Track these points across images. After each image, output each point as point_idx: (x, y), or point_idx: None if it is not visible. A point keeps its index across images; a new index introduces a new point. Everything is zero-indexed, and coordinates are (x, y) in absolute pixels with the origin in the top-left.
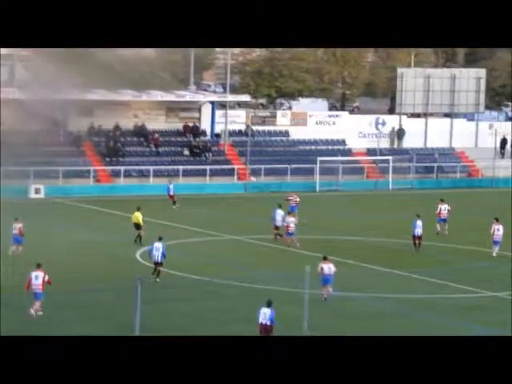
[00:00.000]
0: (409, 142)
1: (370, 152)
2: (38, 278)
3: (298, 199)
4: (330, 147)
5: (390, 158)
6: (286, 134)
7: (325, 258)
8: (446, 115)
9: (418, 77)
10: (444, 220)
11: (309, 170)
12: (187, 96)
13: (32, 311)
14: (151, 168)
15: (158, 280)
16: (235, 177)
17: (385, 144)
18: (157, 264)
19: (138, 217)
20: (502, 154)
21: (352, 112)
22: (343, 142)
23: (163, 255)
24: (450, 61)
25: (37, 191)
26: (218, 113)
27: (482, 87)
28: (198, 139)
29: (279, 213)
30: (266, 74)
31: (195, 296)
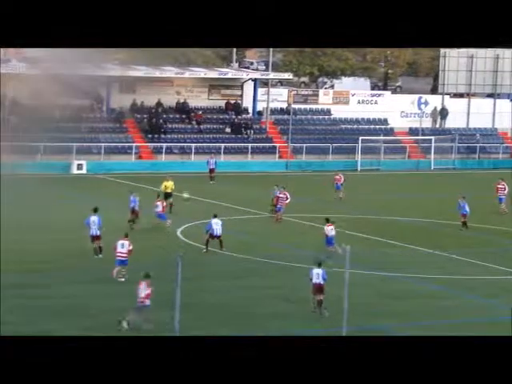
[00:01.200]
0: (451, 122)
1: (412, 132)
2: (123, 246)
3: (343, 178)
4: (371, 126)
5: (432, 137)
6: (328, 112)
7: (327, 221)
8: (489, 95)
9: (461, 57)
10: (500, 199)
11: (350, 149)
12: (229, 73)
13: (115, 274)
14: (193, 145)
15: (223, 250)
16: (277, 155)
17: (427, 124)
18: (217, 237)
19: (169, 185)
20: None
21: (394, 91)
22: (385, 122)
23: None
24: None
25: (79, 167)
26: (260, 90)
27: None
28: (239, 117)
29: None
30: (308, 52)
31: (235, 273)
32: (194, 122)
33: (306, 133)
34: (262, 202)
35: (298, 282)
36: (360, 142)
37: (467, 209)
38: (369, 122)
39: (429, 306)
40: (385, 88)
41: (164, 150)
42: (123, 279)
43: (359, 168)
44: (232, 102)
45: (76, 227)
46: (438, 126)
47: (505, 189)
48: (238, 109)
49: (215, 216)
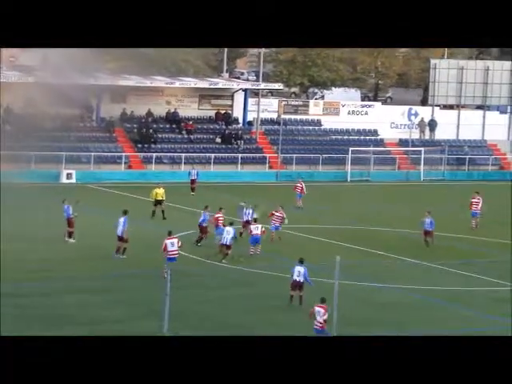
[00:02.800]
0: (441, 134)
1: (402, 143)
2: (173, 244)
3: (304, 187)
4: (361, 137)
5: (421, 149)
6: (318, 123)
7: (255, 221)
8: (479, 107)
9: (452, 68)
10: (474, 214)
11: (340, 160)
12: (220, 83)
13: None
14: (183, 155)
15: (224, 262)
16: (267, 165)
17: (417, 135)
18: (226, 246)
19: (160, 193)
20: None
21: (385, 102)
22: (375, 133)
23: (232, 239)
24: (483, 53)
25: (68, 176)
26: (251, 101)
27: None
28: (230, 127)
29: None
30: (299, 63)
31: (223, 284)
32: (184, 132)
33: (296, 143)
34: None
35: (285, 291)
36: (350, 152)
37: (430, 225)
38: (359, 132)
39: (418, 317)
40: (375, 99)
41: (154, 159)
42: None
43: (349, 179)
44: (222, 112)
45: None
46: (426, 137)
47: (479, 203)
48: (228, 119)
49: (231, 224)
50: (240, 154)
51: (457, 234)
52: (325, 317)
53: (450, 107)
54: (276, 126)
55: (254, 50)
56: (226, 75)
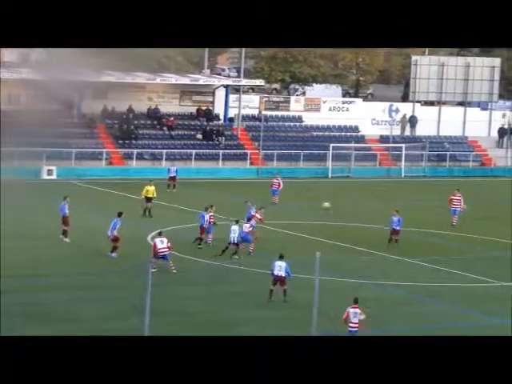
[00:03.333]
0: (422, 130)
1: (383, 139)
2: (163, 242)
3: (281, 183)
4: (343, 134)
5: (402, 145)
6: (300, 119)
7: (160, 234)
8: (460, 104)
9: (432, 65)
10: (454, 211)
11: (321, 156)
12: (201, 80)
13: (173, 269)
14: (164, 151)
15: (236, 257)
16: (248, 162)
17: (398, 131)
18: (234, 244)
19: (151, 190)
20: (500, 143)
21: (366, 99)
22: (356, 129)
23: (239, 237)
24: (464, 49)
25: (49, 172)
26: (232, 97)
27: (496, 76)
28: (211, 123)
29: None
30: (280, 59)
31: (205, 280)
32: (165, 128)
33: (278, 139)
34: (231, 208)
35: (265, 288)
36: (331, 149)
37: (398, 223)
38: (340, 129)
39: (398, 313)
40: (356, 95)
41: (135, 155)
42: (174, 271)
43: (330, 175)
44: (203, 108)
45: (51, 234)
46: (407, 133)
47: (460, 201)
48: (209, 115)
49: (237, 222)
50: (221, 151)
51: (437, 230)
52: (361, 317)
53: (431, 103)
54: (257, 123)
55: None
56: (208, 71)
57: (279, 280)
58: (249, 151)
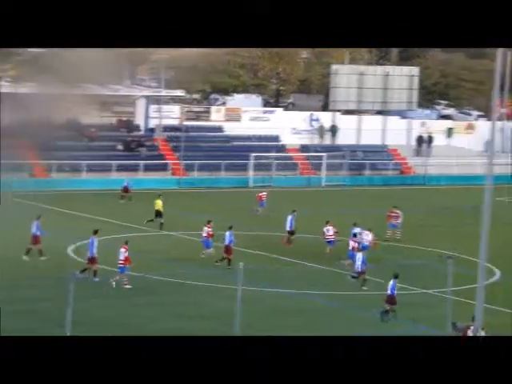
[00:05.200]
0: (342, 139)
1: (304, 148)
2: (121, 253)
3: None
4: (263, 143)
5: (323, 154)
6: (220, 129)
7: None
8: (379, 112)
9: (352, 74)
10: (394, 225)
11: (242, 166)
12: (121, 90)
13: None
14: (84, 162)
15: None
16: (169, 172)
17: (318, 141)
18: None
19: (159, 204)
20: (418, 152)
21: (286, 108)
22: (277, 138)
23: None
24: (383, 58)
25: None
26: (152, 107)
27: (415, 85)
28: (132, 134)
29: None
30: (200, 69)
31: (127, 292)
32: (85, 140)
33: (199, 150)
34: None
35: (191, 298)
36: (252, 158)
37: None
38: (261, 138)
39: (320, 321)
40: (276, 105)
41: (55, 167)
42: (129, 286)
43: (251, 184)
44: (124, 119)
45: None
46: (327, 142)
47: (398, 217)
48: (130, 126)
49: (230, 228)
50: (142, 161)
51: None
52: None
53: (351, 112)
54: (178, 133)
55: (155, 57)
56: (128, 82)
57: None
58: (170, 161)
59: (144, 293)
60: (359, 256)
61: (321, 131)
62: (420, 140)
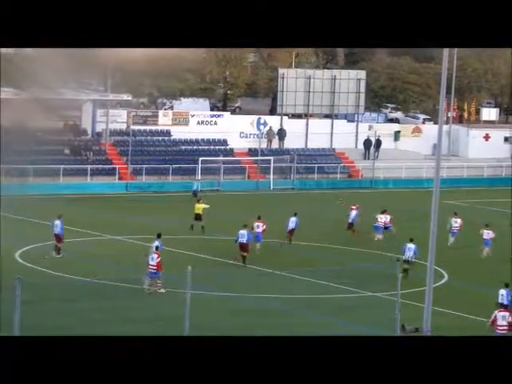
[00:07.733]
0: (290, 143)
1: (252, 152)
2: (153, 259)
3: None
4: (211, 147)
5: (271, 158)
6: (168, 133)
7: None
8: (327, 116)
9: (299, 77)
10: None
11: (190, 170)
12: (68, 94)
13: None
14: (31, 167)
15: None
16: (116, 176)
17: (266, 144)
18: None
19: (199, 207)
20: (366, 155)
21: (234, 112)
22: (225, 142)
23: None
24: (330, 62)
25: None
26: (99, 111)
27: (362, 88)
28: (78, 138)
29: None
30: (147, 73)
31: (75, 296)
32: (31, 144)
33: (146, 154)
34: (101, 224)
35: (145, 302)
36: (200, 162)
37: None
38: (208, 142)
39: (272, 324)
40: (224, 109)
41: (2, 172)
42: (163, 290)
43: (199, 189)
44: (70, 123)
45: None
46: (274, 146)
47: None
48: (76, 130)
49: (245, 226)
50: (89, 166)
51: (307, 242)
52: (510, 319)
53: (299, 116)
54: (125, 137)
55: (102, 60)
56: (74, 86)
57: (243, 246)
58: (117, 166)
59: (91, 297)
60: (410, 246)
61: (269, 135)
62: (367, 143)
